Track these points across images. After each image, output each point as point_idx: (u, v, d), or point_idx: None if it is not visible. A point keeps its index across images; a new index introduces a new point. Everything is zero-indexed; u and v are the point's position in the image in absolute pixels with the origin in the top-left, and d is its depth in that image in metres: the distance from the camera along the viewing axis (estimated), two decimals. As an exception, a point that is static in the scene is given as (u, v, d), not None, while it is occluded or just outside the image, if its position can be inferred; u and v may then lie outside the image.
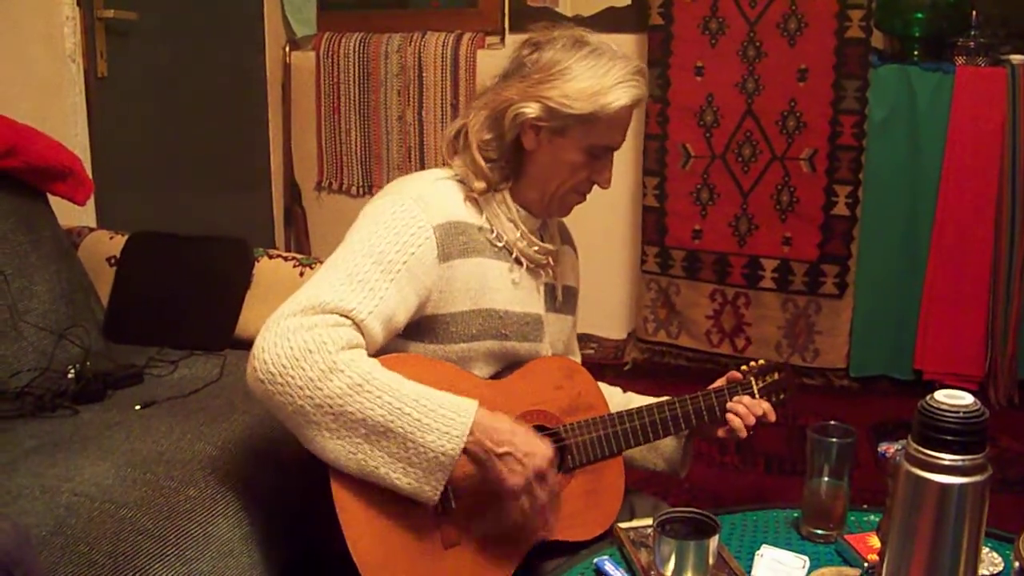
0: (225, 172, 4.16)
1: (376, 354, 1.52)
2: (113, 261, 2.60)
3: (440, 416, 1.43)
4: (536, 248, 1.71)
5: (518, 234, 1.68)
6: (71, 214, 2.67)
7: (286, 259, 2.59)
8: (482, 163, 1.65)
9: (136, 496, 1.64)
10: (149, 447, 1.81)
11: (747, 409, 1.73)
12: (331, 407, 1.40)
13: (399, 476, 1.43)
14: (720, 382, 1.81)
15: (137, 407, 2.04)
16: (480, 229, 1.65)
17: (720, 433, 1.76)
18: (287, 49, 4.44)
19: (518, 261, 1.70)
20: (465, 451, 1.44)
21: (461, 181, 1.67)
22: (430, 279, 1.57)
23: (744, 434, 1.73)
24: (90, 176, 2.59)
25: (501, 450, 1.46)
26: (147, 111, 3.61)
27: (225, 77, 4.14)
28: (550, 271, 1.79)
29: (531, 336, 1.72)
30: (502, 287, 1.67)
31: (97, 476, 1.67)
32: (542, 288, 1.77)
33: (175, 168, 3.76)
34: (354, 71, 4.34)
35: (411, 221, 1.56)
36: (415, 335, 1.62)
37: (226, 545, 1.67)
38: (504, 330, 1.67)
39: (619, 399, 1.93)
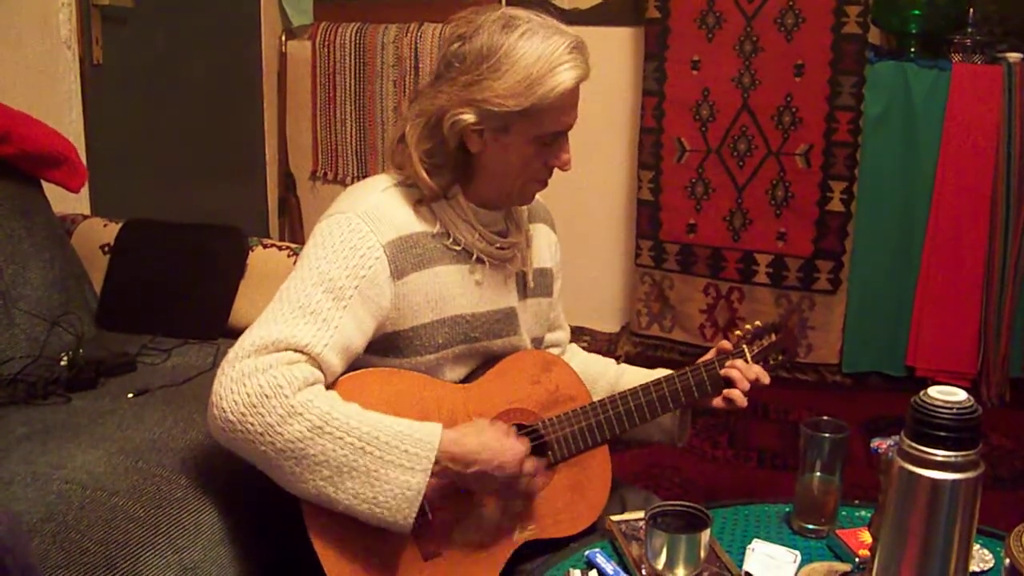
0: (220, 161, 4.15)
1: (343, 373, 1.50)
2: (107, 249, 2.60)
3: (402, 452, 1.40)
4: (497, 244, 1.66)
5: (476, 235, 1.62)
6: (65, 201, 2.66)
7: (280, 248, 2.59)
8: (424, 175, 1.57)
9: (128, 484, 1.63)
10: (141, 435, 1.81)
11: (741, 374, 1.69)
12: (292, 451, 1.37)
13: (367, 516, 1.40)
14: (710, 354, 1.77)
15: (130, 395, 2.03)
16: (435, 236, 1.59)
17: (715, 403, 1.72)
18: (283, 38, 4.43)
19: (480, 260, 1.64)
20: (436, 473, 1.42)
21: (412, 184, 1.60)
22: (385, 299, 1.53)
23: (743, 403, 1.68)
24: (84, 163, 2.58)
25: (470, 471, 1.45)
26: (142, 99, 3.60)
27: (221, 66, 4.13)
28: (518, 260, 1.72)
29: (504, 332, 1.69)
30: (465, 291, 1.63)
31: (89, 464, 1.67)
32: (511, 279, 1.72)
33: (170, 156, 3.75)
34: (350, 61, 4.33)
35: (359, 243, 1.50)
36: (382, 352, 1.58)
37: (217, 534, 1.67)
38: (473, 333, 1.64)
39: (612, 372, 1.90)
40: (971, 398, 1.08)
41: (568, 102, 1.54)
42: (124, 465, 1.69)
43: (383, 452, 1.39)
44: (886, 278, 3.60)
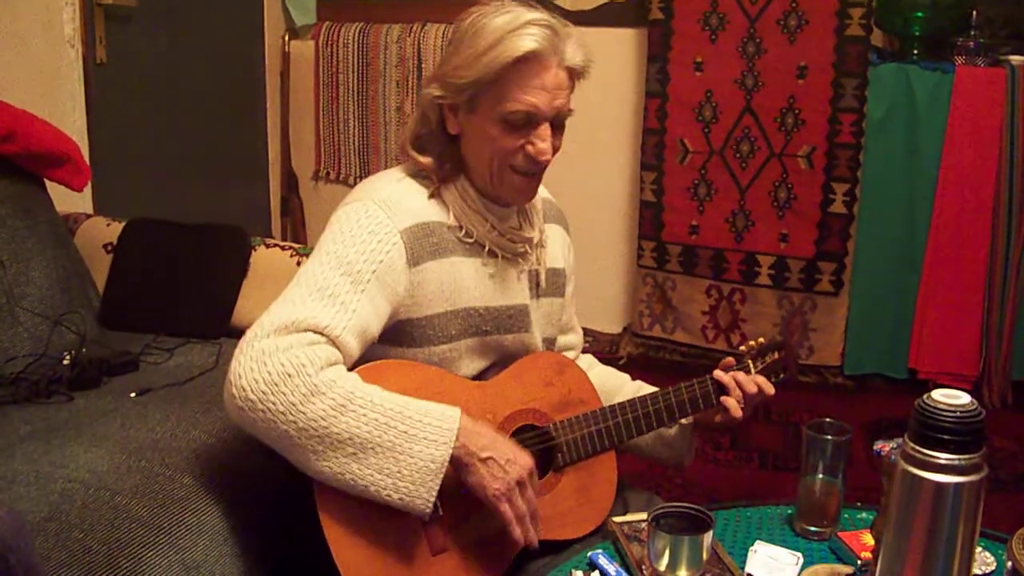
0: (223, 160, 4.16)
1: (359, 362, 1.51)
2: (110, 248, 2.60)
3: (426, 425, 1.41)
4: (509, 236, 1.67)
5: (487, 226, 1.64)
6: (68, 200, 2.66)
7: (283, 248, 2.59)
8: (420, 159, 1.62)
9: (131, 483, 1.64)
10: (144, 435, 1.81)
11: (735, 382, 1.69)
12: (315, 429, 1.37)
13: (390, 492, 1.40)
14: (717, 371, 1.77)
15: (132, 394, 2.03)
16: (449, 228, 1.62)
17: (717, 419, 1.72)
18: (286, 38, 4.43)
19: (492, 253, 1.66)
20: (451, 457, 1.43)
21: (426, 176, 1.64)
22: (401, 285, 1.55)
23: (739, 414, 1.68)
24: (88, 162, 2.59)
25: (485, 455, 1.45)
26: (145, 98, 3.61)
27: (224, 65, 4.14)
28: (532, 257, 1.74)
29: (515, 328, 1.70)
30: (478, 283, 1.64)
31: (92, 463, 1.67)
32: (524, 276, 1.73)
33: (173, 155, 3.75)
34: (353, 61, 4.33)
35: (377, 228, 1.53)
36: (395, 341, 1.59)
37: (220, 534, 1.67)
38: (485, 326, 1.65)
39: (628, 389, 1.90)
40: (975, 401, 1.08)
41: (529, 79, 1.53)
42: (127, 464, 1.69)
43: (407, 427, 1.40)
44: (888, 280, 3.60)
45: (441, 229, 1.60)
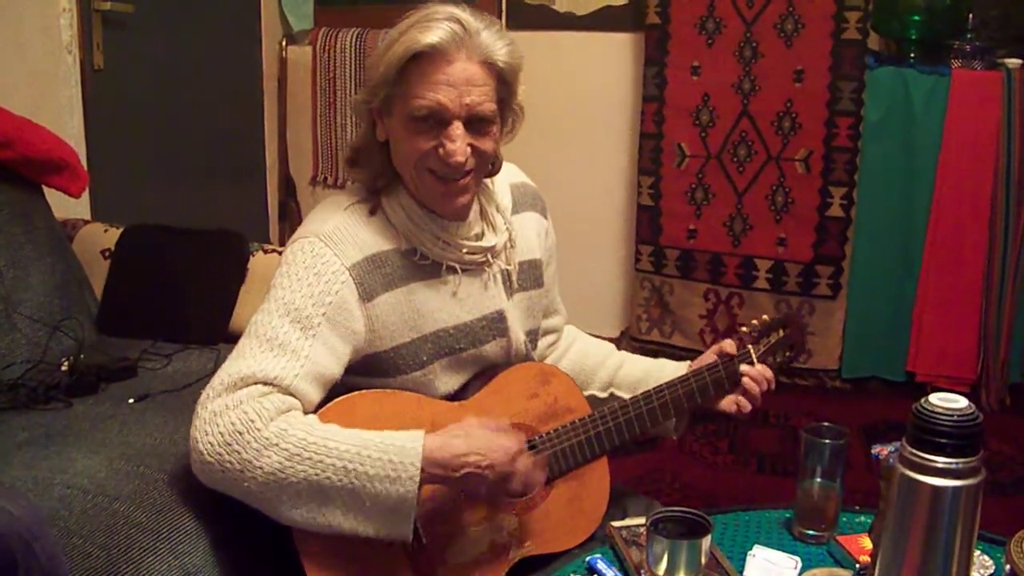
0: (220, 166, 4.15)
1: (335, 394, 1.48)
2: (107, 254, 2.60)
3: (386, 463, 1.36)
4: (465, 250, 1.60)
5: (440, 243, 1.57)
6: (66, 206, 2.66)
7: (280, 253, 2.58)
8: (352, 172, 1.61)
9: (129, 489, 1.63)
10: (143, 440, 1.81)
11: (752, 382, 1.68)
12: (275, 482, 1.35)
13: (366, 529, 1.38)
14: (710, 355, 1.73)
15: (131, 400, 2.03)
16: (403, 253, 1.56)
17: (722, 405, 1.71)
18: (283, 43, 4.44)
19: (452, 270, 1.60)
20: (423, 483, 1.38)
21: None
22: (357, 323, 1.50)
23: (758, 404, 1.69)
24: (85, 168, 2.58)
25: (459, 474, 1.41)
26: (143, 104, 3.60)
27: (221, 71, 4.13)
28: (503, 257, 1.67)
29: (491, 336, 1.66)
30: (442, 305, 1.60)
31: (90, 469, 1.67)
32: (494, 280, 1.66)
33: (170, 161, 3.75)
34: (350, 66, 4.33)
35: (323, 268, 1.48)
36: (367, 372, 1.56)
37: (219, 539, 1.66)
38: (458, 344, 1.61)
39: (611, 363, 1.89)
40: (972, 405, 1.08)
41: (431, 74, 1.46)
42: (125, 470, 1.69)
43: (367, 467, 1.36)
44: (886, 283, 3.60)
45: (394, 258, 1.55)
